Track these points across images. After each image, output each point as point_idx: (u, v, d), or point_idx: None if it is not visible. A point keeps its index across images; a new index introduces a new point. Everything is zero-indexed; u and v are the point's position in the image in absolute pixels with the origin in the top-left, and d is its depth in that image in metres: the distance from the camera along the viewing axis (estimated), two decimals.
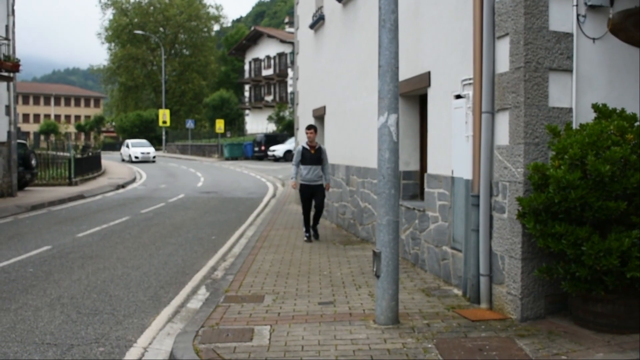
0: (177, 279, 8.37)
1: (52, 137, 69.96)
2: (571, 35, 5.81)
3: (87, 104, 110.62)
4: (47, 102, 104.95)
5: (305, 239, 10.81)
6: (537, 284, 5.76)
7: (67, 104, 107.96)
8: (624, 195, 5.16)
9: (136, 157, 43.96)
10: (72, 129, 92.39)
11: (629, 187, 5.05)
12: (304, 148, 10.74)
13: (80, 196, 20.01)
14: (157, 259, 9.67)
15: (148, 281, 8.20)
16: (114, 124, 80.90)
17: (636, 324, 5.32)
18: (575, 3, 5.80)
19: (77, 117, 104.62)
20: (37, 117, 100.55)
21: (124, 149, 47.16)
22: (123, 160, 44.96)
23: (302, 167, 10.72)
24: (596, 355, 4.81)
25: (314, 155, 10.69)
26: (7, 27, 18.72)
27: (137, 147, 45.10)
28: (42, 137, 75.16)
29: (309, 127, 10.86)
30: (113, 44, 75.43)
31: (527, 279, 5.72)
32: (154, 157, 44.96)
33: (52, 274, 8.61)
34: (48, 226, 13.40)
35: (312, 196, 10.75)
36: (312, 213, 11.00)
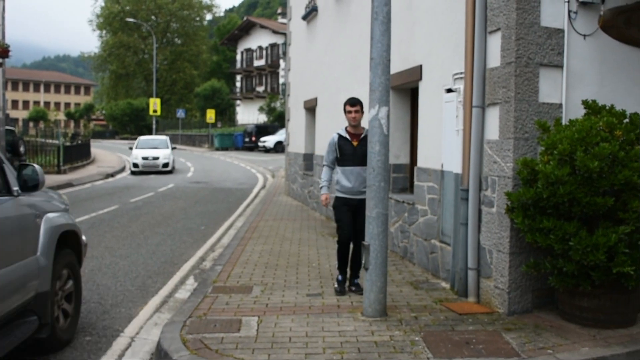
0: (166, 268, 8.36)
1: (42, 124, 69.44)
2: (562, 31, 5.82)
3: (77, 92, 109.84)
4: (36, 89, 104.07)
5: (337, 284, 6.71)
6: (524, 278, 5.79)
7: (57, 91, 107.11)
8: (611, 191, 5.19)
9: (135, 165, 26.35)
10: (61, 116, 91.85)
11: (616, 183, 5.08)
12: (341, 138, 6.69)
13: (69, 184, 19.91)
14: (145, 249, 9.64)
15: (136, 271, 8.18)
16: (104, 112, 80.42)
17: (621, 318, 5.38)
18: None
19: (67, 105, 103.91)
20: (26, 104, 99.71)
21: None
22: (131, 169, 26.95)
23: (339, 169, 6.69)
24: (582, 350, 4.85)
25: (358, 150, 6.55)
26: None
27: (140, 149, 27.13)
28: (31, 124, 74.55)
29: (352, 103, 6.57)
30: (104, 32, 74.79)
31: (514, 273, 5.75)
32: (167, 163, 26.38)
33: None
34: None
35: (354, 215, 6.57)
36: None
